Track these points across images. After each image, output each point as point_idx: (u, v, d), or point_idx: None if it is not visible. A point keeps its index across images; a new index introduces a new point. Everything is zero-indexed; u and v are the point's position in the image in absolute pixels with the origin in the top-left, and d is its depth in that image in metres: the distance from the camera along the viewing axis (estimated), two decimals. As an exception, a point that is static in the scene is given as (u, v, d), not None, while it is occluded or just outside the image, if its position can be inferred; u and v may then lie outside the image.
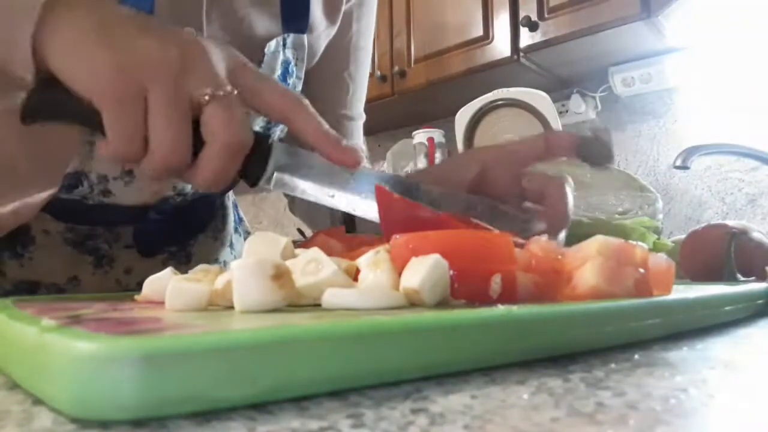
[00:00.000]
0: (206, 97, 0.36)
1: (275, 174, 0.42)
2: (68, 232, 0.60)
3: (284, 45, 0.66)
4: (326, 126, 0.41)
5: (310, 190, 0.43)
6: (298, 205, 0.79)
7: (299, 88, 0.70)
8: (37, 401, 0.18)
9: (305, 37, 0.68)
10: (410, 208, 0.36)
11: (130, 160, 0.37)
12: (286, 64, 0.66)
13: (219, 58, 0.38)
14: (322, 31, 0.71)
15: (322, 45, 0.73)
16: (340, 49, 0.76)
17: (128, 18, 0.38)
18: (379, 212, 0.37)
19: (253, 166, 0.41)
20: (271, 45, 0.64)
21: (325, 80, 0.76)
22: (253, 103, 0.40)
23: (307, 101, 0.42)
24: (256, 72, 0.41)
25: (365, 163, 0.43)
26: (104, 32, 0.36)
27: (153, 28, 0.38)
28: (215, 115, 0.36)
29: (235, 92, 0.38)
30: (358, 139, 0.82)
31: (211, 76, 0.37)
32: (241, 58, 0.41)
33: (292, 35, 0.66)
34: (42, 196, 0.55)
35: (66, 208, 0.58)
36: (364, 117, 0.83)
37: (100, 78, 0.35)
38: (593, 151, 0.47)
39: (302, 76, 0.70)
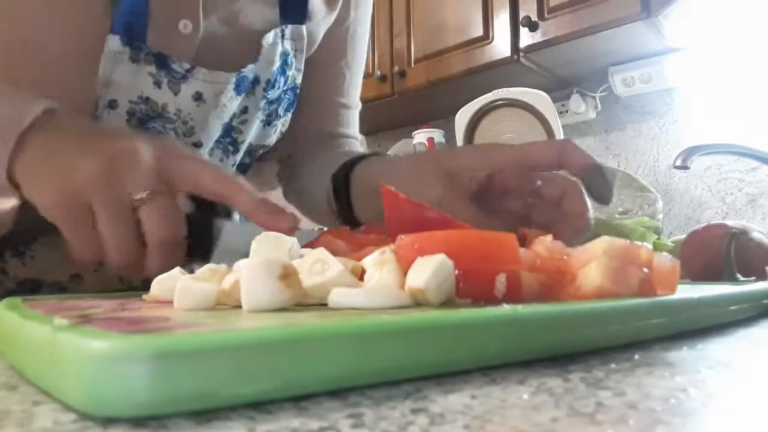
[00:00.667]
0: (138, 201, 0.41)
1: (223, 251, 0.46)
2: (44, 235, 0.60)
3: (282, 36, 0.65)
4: (260, 196, 0.44)
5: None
6: (290, 193, 0.80)
7: (299, 79, 0.70)
8: (38, 401, 0.19)
9: (304, 27, 0.67)
10: (416, 209, 0.36)
11: (94, 262, 0.43)
12: (284, 55, 0.66)
13: (148, 157, 0.42)
14: (321, 18, 0.71)
15: (321, 32, 0.72)
16: (337, 37, 0.76)
17: (78, 136, 0.43)
18: (386, 213, 0.37)
19: (198, 246, 0.45)
20: (269, 37, 0.63)
21: (321, 68, 0.76)
22: (190, 188, 0.44)
23: (240, 177, 0.45)
24: (191, 159, 0.45)
25: (300, 225, 0.46)
26: (53, 157, 0.41)
27: (94, 141, 0.42)
28: (148, 216, 0.41)
29: (165, 189, 0.42)
30: (354, 128, 0.82)
31: (141, 180, 0.41)
32: (175, 149, 0.45)
33: (290, 26, 0.66)
34: None
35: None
36: (359, 105, 0.83)
37: (49, 201, 0.41)
38: (597, 184, 0.46)
39: (302, 67, 0.70)
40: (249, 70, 0.62)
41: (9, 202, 0.55)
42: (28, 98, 0.44)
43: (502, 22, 1.82)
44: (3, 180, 0.42)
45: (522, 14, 1.75)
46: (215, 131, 0.63)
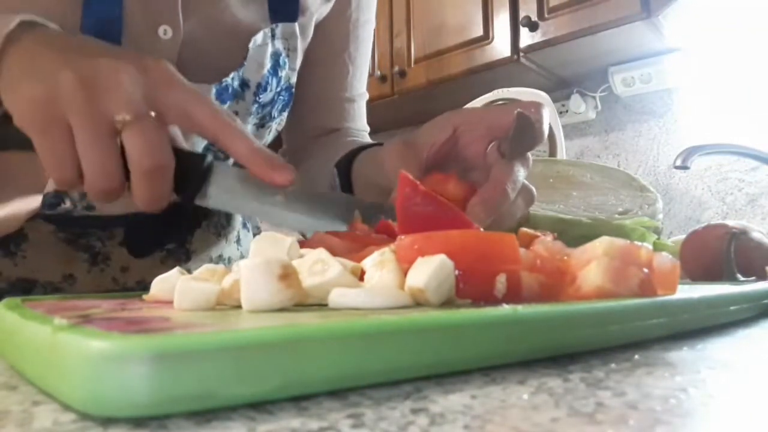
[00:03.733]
0: (121, 123, 0.37)
1: (213, 193, 0.43)
2: (60, 231, 0.59)
3: (273, 36, 0.62)
4: (257, 144, 0.41)
5: (250, 209, 0.45)
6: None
7: (294, 79, 0.67)
8: (38, 401, 0.19)
9: (296, 24, 0.64)
10: (431, 204, 0.35)
11: (69, 186, 0.39)
12: (276, 56, 0.63)
13: (136, 80, 0.38)
14: (315, 10, 0.68)
15: (312, 24, 0.69)
16: (339, 29, 0.73)
17: (60, 47, 0.40)
18: (398, 202, 0.37)
19: (187, 184, 0.42)
20: (257, 38, 0.60)
21: (323, 63, 0.73)
22: (182, 122, 0.41)
23: (238, 120, 0.42)
24: (185, 89, 0.41)
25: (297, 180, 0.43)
26: (32, 65, 0.38)
27: (77, 55, 0.39)
28: (131, 141, 0.38)
29: (152, 114, 0.38)
30: (360, 119, 0.79)
31: (124, 100, 0.37)
32: (168, 74, 0.41)
33: (281, 25, 0.63)
34: (24, 210, 0.54)
35: (53, 217, 0.57)
36: (366, 95, 0.80)
37: (24, 111, 0.38)
38: (526, 134, 0.46)
39: (296, 66, 0.67)
40: (232, 78, 0.59)
41: (30, 204, 0.54)
42: (4, 15, 0.41)
43: (502, 22, 1.82)
44: None
45: (522, 14, 1.75)
46: (200, 141, 0.60)
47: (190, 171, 0.42)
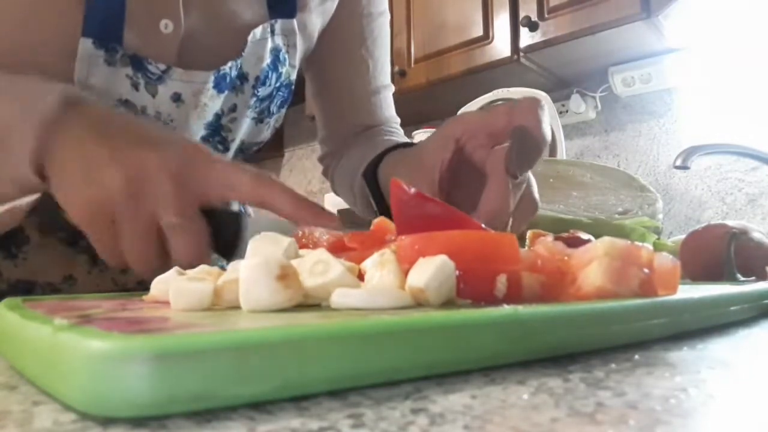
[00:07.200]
0: (164, 224, 0.40)
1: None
2: (61, 230, 0.60)
3: (272, 31, 0.63)
4: (299, 195, 0.43)
5: None
6: (339, 186, 0.79)
7: (293, 76, 0.68)
8: (38, 401, 0.19)
9: (295, 21, 0.65)
10: (425, 205, 0.35)
11: (119, 267, 0.43)
12: (276, 51, 0.64)
13: (179, 173, 0.40)
14: (315, 6, 0.69)
15: (317, 23, 0.70)
16: (353, 25, 0.74)
17: (105, 136, 0.42)
18: (392, 207, 0.37)
19: (224, 243, 0.44)
20: (257, 33, 0.61)
21: (342, 62, 0.74)
22: (226, 196, 0.43)
23: (275, 177, 0.44)
24: (224, 165, 0.43)
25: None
26: (82, 165, 0.41)
27: (124, 146, 0.41)
28: (173, 241, 0.41)
29: (192, 211, 0.41)
30: (387, 111, 0.80)
31: (168, 203, 0.40)
32: (206, 155, 0.43)
33: (280, 20, 0.64)
34: (26, 200, 0.55)
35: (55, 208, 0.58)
36: (392, 87, 0.80)
37: (74, 207, 0.41)
38: (518, 150, 0.46)
39: (296, 63, 0.68)
40: (230, 67, 0.60)
41: (28, 198, 0.55)
42: (41, 86, 0.43)
43: (502, 22, 1.82)
44: (24, 175, 0.42)
45: (522, 14, 1.75)
46: (198, 132, 0.62)
47: (226, 231, 0.44)
